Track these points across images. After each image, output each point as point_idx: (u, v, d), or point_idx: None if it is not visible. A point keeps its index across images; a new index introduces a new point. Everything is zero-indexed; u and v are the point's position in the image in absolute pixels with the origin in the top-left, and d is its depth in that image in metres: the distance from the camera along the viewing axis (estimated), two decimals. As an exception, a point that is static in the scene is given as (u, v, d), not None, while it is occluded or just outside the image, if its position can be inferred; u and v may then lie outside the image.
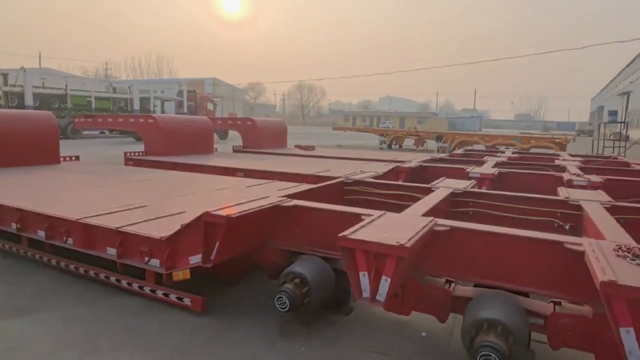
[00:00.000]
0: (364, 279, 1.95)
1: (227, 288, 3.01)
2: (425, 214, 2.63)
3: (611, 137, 16.44)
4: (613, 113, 16.09)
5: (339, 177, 4.15)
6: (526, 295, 2.19)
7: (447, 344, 2.37)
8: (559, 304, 2.07)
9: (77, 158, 7.40)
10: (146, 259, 2.78)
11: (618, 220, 2.92)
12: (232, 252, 2.50)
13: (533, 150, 14.10)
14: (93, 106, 23.04)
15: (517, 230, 2.18)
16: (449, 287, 2.27)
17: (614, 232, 2.29)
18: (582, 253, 1.87)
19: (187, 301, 2.67)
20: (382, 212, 2.46)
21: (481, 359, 1.78)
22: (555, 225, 3.18)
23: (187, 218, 2.61)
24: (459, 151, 9.16)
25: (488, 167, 5.31)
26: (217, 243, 2.33)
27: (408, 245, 1.83)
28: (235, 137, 14.88)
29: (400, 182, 3.97)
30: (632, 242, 2.00)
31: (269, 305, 2.54)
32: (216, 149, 9.48)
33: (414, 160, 6.13)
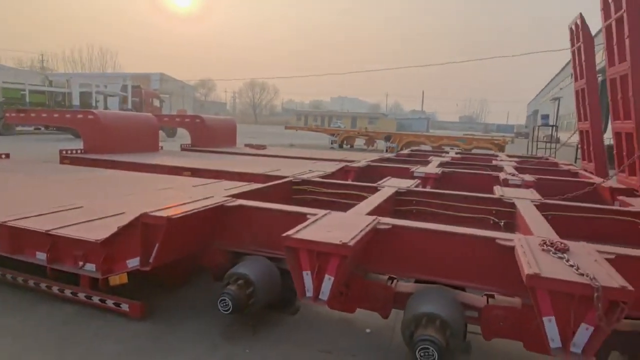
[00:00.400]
0: (308, 278, 1.95)
1: (169, 292, 2.90)
2: (370, 213, 2.68)
3: (544, 139, 17.70)
4: (545, 117, 17.33)
5: (288, 177, 4.14)
6: (463, 289, 2.30)
7: (390, 339, 2.43)
8: (493, 296, 2.19)
9: (7, 156, 6.84)
10: (81, 263, 2.62)
11: (546, 216, 3.15)
12: (173, 255, 2.42)
13: (475, 150, 14.84)
14: (27, 100, 21.39)
15: (454, 228, 2.28)
16: (391, 283, 2.33)
17: (541, 228, 2.46)
18: (512, 248, 1.99)
19: (125, 307, 2.55)
20: (327, 211, 2.48)
21: (420, 352, 1.84)
22: (491, 222, 3.36)
23: (126, 219, 2.48)
24: (406, 151, 9.45)
25: (432, 167, 5.52)
26: (157, 245, 2.24)
27: (351, 244, 1.86)
28: (184, 135, 14.41)
29: (347, 182, 4.03)
30: (555, 237, 2.16)
31: (212, 308, 2.48)
32: (162, 147, 9.13)
33: (362, 160, 6.24)
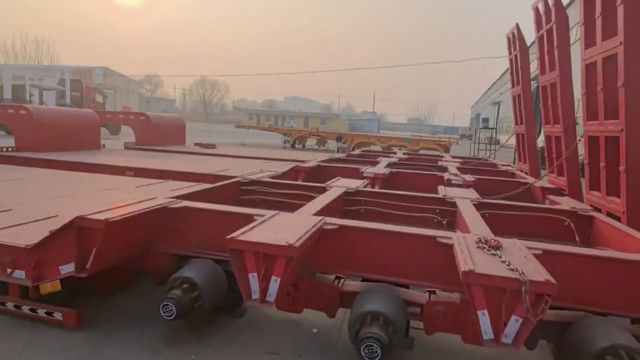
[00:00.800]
0: (254, 280, 1.94)
1: (108, 298, 2.76)
2: (318, 213, 2.70)
3: (485, 141, 18.72)
4: (485, 120, 18.36)
5: (236, 177, 4.08)
6: (407, 286, 2.38)
7: (337, 338, 2.47)
8: (434, 292, 2.28)
9: None
10: (9, 270, 2.42)
11: (483, 214, 3.32)
12: (112, 260, 2.31)
13: (422, 151, 15.39)
14: (-50, 92, 19.49)
15: (398, 227, 2.35)
16: (338, 283, 2.36)
17: (478, 226, 2.59)
18: (452, 246, 2.08)
19: (58, 316, 2.40)
20: (275, 212, 2.47)
21: (365, 350, 1.89)
22: (435, 220, 3.51)
23: (60, 223, 2.33)
24: (357, 152, 9.62)
25: (381, 167, 5.66)
26: (94, 250, 2.13)
27: (297, 245, 1.86)
28: (129, 133, 13.77)
29: (297, 182, 4.04)
30: (490, 235, 2.29)
31: (155, 314, 2.39)
32: (104, 146, 8.67)
33: (314, 160, 6.28)
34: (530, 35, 6.24)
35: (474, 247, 1.99)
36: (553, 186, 4.56)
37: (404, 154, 9.13)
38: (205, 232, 2.53)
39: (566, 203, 3.58)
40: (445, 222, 3.45)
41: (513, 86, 6.73)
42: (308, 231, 2.07)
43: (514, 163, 12.13)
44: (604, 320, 1.97)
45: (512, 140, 7.79)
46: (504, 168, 6.76)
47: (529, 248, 2.05)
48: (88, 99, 25.72)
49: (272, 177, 4.22)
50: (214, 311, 2.53)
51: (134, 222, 2.29)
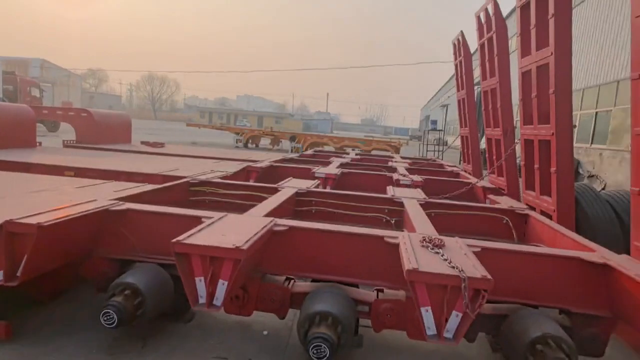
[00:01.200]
0: (200, 284, 1.89)
1: (43, 307, 2.59)
2: (269, 214, 2.69)
3: (434, 142, 19.47)
4: (434, 122, 19.10)
5: (185, 177, 3.96)
6: (356, 286, 2.42)
7: (287, 340, 2.47)
8: (382, 291, 2.34)
9: None
10: None
11: (429, 214, 3.46)
12: (45, 267, 2.16)
13: (374, 152, 15.73)
14: None
15: (346, 227, 2.39)
16: (288, 284, 2.36)
17: (423, 225, 2.69)
18: (397, 245, 2.15)
19: (-15, 328, 2.21)
20: (224, 213, 2.43)
21: (313, 350, 1.90)
22: (384, 220, 3.60)
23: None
24: (309, 152, 9.66)
25: (333, 168, 5.72)
26: (25, 257, 1.99)
27: (245, 247, 1.84)
28: (69, 130, 12.98)
29: (248, 183, 3.99)
30: (434, 233, 2.38)
31: (96, 322, 2.28)
32: (40, 144, 8.10)
33: (266, 160, 6.23)
34: (475, 42, 6.57)
35: (418, 246, 2.06)
36: (493, 186, 4.82)
37: (356, 154, 9.30)
38: (151, 235, 2.44)
39: (505, 202, 3.80)
40: (393, 221, 3.55)
41: (458, 90, 7.05)
42: (257, 233, 2.05)
43: (459, 163, 12.72)
44: (535, 312, 2.11)
45: (458, 142, 8.16)
46: (450, 169, 7.06)
47: (469, 246, 2.16)
48: (23, 93, 23.95)
49: (222, 178, 4.14)
50: (160, 317, 2.45)
51: (71, 226, 2.16)
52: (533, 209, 3.68)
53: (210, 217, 2.33)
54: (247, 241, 1.90)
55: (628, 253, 2.52)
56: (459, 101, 7.04)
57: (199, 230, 2.04)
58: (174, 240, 1.86)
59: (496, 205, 3.65)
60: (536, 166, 3.65)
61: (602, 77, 14.01)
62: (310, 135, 19.24)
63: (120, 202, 2.55)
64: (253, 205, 3.03)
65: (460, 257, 1.93)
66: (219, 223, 2.24)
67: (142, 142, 10.53)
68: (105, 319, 2.06)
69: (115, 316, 2.05)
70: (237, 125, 35.09)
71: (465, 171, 6.84)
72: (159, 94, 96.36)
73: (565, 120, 3.19)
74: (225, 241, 1.89)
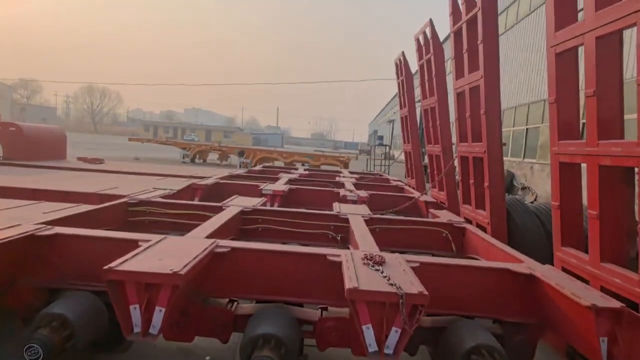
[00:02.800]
0: (135, 312, 1.81)
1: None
2: (212, 235, 2.63)
3: (381, 157, 20.06)
4: (380, 138, 19.72)
5: (124, 197, 3.79)
6: (301, 305, 2.42)
7: (231, 364, 2.40)
8: (326, 309, 2.35)
9: None
10: None
11: (374, 229, 3.54)
12: (-41, 300, 1.97)
13: (323, 167, 15.91)
14: None
15: (289, 247, 2.40)
16: (232, 307, 2.31)
17: (366, 242, 2.76)
18: (340, 263, 2.18)
19: None
20: (163, 236, 2.35)
21: None
22: (330, 236, 3.64)
23: None
24: (258, 168, 9.60)
25: (280, 184, 5.72)
26: None
27: (182, 272, 1.79)
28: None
29: (190, 201, 3.89)
30: (376, 250, 2.44)
31: (20, 358, 2.09)
32: (-40, 161, 7.42)
33: (213, 176, 6.11)
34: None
35: (360, 264, 2.10)
36: (435, 200, 5.04)
37: (305, 169, 9.36)
38: (82, 261, 2.30)
39: (444, 216, 3.98)
40: (339, 237, 3.60)
41: (401, 108, 7.34)
42: (197, 256, 2.00)
43: (405, 178, 13.17)
44: (470, 323, 2.21)
45: (403, 156, 8.47)
46: (395, 183, 7.29)
47: (409, 261, 2.23)
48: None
49: (164, 197, 4.01)
50: (93, 348, 2.30)
51: (-10, 255, 1.99)
52: (470, 222, 3.88)
53: (147, 240, 2.24)
54: (185, 265, 1.85)
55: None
56: (402, 118, 7.33)
57: (134, 255, 1.95)
58: (106, 267, 1.77)
59: (436, 219, 3.82)
60: (471, 181, 3.87)
61: (531, 96, 15.19)
62: (259, 150, 19.12)
63: (49, 227, 2.39)
64: (197, 226, 2.95)
65: (399, 274, 2.00)
66: (157, 246, 2.16)
67: (79, 158, 9.95)
68: (29, 353, 1.90)
69: (40, 350, 1.90)
70: (184, 140, 34.02)
71: (409, 185, 7.09)
72: (99, 106, 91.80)
73: (495, 138, 3.42)
74: (163, 266, 1.82)
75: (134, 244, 2.22)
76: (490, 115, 3.38)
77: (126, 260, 1.88)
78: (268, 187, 5.17)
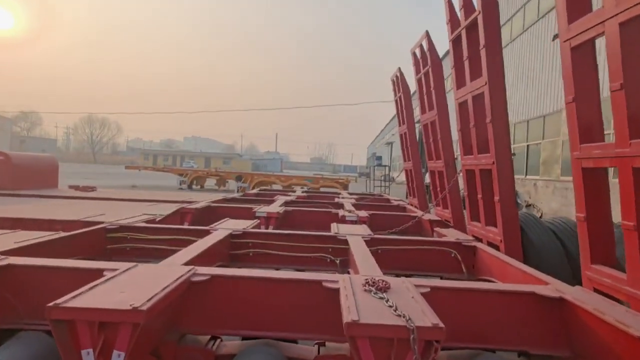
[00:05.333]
0: (89, 358, 1.48)
1: None
2: (192, 261, 2.33)
3: (381, 178, 19.81)
4: (379, 158, 19.52)
5: (103, 223, 3.49)
6: (294, 341, 2.09)
7: (213, 413, 2.05)
8: (324, 344, 2.03)
9: None
10: None
11: (375, 251, 3.23)
12: None
13: (322, 189, 15.63)
14: None
15: (280, 273, 2.09)
16: (213, 345, 1.99)
17: (367, 265, 2.44)
18: (338, 290, 1.87)
19: None
20: (133, 264, 2.04)
21: None
22: (328, 260, 3.32)
23: None
24: (254, 191, 9.31)
25: (276, 206, 5.42)
26: None
27: (145, 307, 1.47)
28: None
29: (175, 226, 3.59)
30: (379, 273, 2.13)
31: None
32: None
33: (204, 200, 5.82)
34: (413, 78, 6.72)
35: (360, 291, 1.79)
36: (439, 219, 4.73)
37: (303, 192, 9.07)
38: (40, 296, 1.98)
39: (451, 235, 3.67)
40: (338, 261, 3.28)
41: (399, 125, 7.12)
42: (167, 287, 1.69)
43: (406, 198, 12.87)
44: (494, 357, 1.89)
45: (403, 177, 8.21)
46: (396, 203, 7.00)
47: (417, 286, 1.92)
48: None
49: (149, 222, 3.70)
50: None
51: None
52: (480, 240, 3.57)
53: (114, 270, 1.93)
54: (150, 299, 1.54)
55: (575, 282, 2.42)
56: (401, 136, 7.10)
57: (91, 288, 1.64)
58: (51, 304, 1.46)
59: (443, 239, 3.50)
60: (479, 196, 3.58)
61: (530, 113, 15.05)
62: (257, 174, 18.87)
63: (2, 257, 2.08)
64: (179, 251, 2.65)
65: (408, 302, 1.68)
66: (123, 277, 1.85)
67: (70, 187, 9.69)
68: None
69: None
70: (183, 167, 33.82)
71: (412, 205, 6.79)
72: (99, 136, 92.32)
73: (504, 147, 3.16)
74: (122, 301, 1.51)
75: (98, 274, 1.91)
76: (497, 123, 3.12)
77: (79, 294, 1.57)
78: (262, 209, 4.88)
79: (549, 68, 13.85)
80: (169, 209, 5.15)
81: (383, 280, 1.88)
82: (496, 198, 3.22)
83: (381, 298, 1.70)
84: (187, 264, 2.24)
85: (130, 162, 61.23)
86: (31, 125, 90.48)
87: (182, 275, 1.88)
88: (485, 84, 3.18)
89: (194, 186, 19.59)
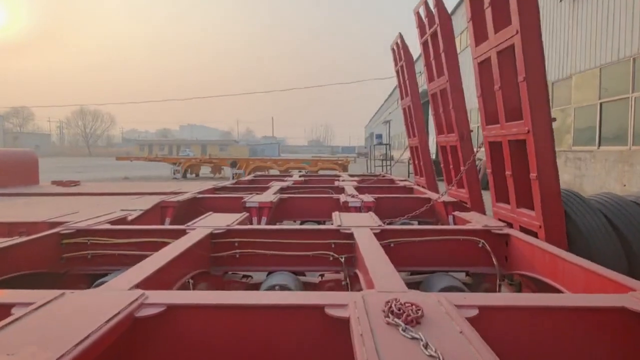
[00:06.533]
0: None
1: None
2: (151, 277, 1.76)
3: (380, 158, 19.18)
4: (379, 136, 18.81)
5: (61, 225, 2.91)
6: None
7: None
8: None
9: None
10: None
11: (387, 245, 2.67)
12: None
13: (321, 172, 15.02)
14: None
15: (267, 295, 1.51)
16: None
17: (379, 264, 1.90)
18: (347, 320, 1.30)
19: None
20: (60, 292, 1.46)
21: None
22: (330, 258, 2.75)
23: None
24: (247, 178, 8.71)
25: (269, 195, 4.84)
26: None
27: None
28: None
29: (144, 227, 2.99)
30: (399, 284, 1.56)
31: None
32: None
33: (189, 192, 5.23)
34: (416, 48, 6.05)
35: (381, 324, 1.21)
36: (454, 199, 4.15)
37: (300, 176, 8.47)
38: None
39: (475, 220, 3.09)
40: (343, 259, 2.70)
41: (402, 98, 6.47)
42: (87, 338, 1.11)
43: (408, 177, 12.28)
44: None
45: (405, 156, 7.61)
46: (402, 183, 6.41)
47: (460, 307, 1.35)
48: None
49: (116, 222, 3.11)
50: None
51: None
52: (510, 225, 3.00)
53: (27, 304, 1.35)
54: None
55: (632, 274, 1.87)
56: (404, 109, 6.46)
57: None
58: None
59: (468, 226, 2.92)
60: (508, 173, 2.99)
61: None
62: (252, 159, 18.20)
63: None
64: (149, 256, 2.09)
65: (456, 342, 1.11)
66: (37, 316, 1.27)
67: (53, 182, 9.09)
68: None
69: None
70: (180, 156, 33.00)
71: (419, 184, 6.21)
72: (92, 129, 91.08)
73: (543, 112, 2.55)
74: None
75: (5, 312, 1.33)
76: (533, 80, 2.51)
77: None
78: (253, 199, 4.29)
79: (558, 30, 13.07)
80: (154, 201, 4.57)
81: (412, 305, 1.30)
82: (533, 175, 2.63)
83: (415, 338, 1.12)
84: (144, 282, 1.67)
85: (126, 153, 60.36)
86: (23, 120, 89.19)
87: (123, 310, 1.30)
88: (517, 32, 2.55)
89: (188, 175, 18.96)
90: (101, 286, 1.58)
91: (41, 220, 4.01)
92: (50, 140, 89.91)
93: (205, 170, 19.93)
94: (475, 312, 1.33)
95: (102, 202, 5.70)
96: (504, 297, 1.51)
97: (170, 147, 74.01)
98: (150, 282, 1.75)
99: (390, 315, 1.24)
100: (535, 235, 2.70)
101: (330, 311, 1.36)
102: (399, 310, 1.25)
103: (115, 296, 1.43)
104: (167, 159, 20.70)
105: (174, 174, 18.41)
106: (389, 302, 1.33)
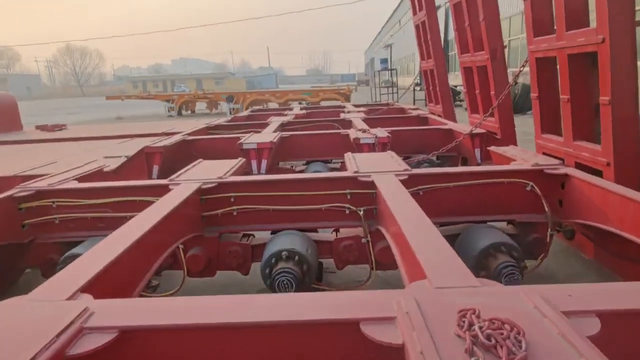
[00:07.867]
0: None
1: None
2: (117, 261, 1.29)
3: (383, 85, 18.14)
4: (384, 61, 17.60)
5: (15, 187, 2.41)
6: None
7: None
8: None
9: None
10: None
11: (416, 193, 2.19)
12: None
13: (323, 103, 14.24)
14: None
15: (267, 301, 1.03)
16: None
17: (413, 221, 1.42)
18: (401, 348, 0.83)
19: None
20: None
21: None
22: (347, 211, 2.27)
23: None
24: (244, 113, 8.06)
25: (268, 133, 4.28)
26: None
27: None
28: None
29: (118, 183, 2.48)
30: (470, 287, 1.07)
31: None
32: None
33: (182, 132, 4.68)
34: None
35: (459, 351, 0.74)
36: (482, 130, 3.58)
37: (302, 109, 7.80)
38: None
39: (519, 156, 2.56)
40: (362, 212, 2.22)
41: (414, 13, 5.62)
42: None
43: (413, 104, 11.53)
44: None
45: (406, 82, 6.89)
46: (414, 113, 5.79)
47: (568, 315, 0.87)
48: None
49: (81, 178, 2.59)
50: None
51: None
52: (561, 161, 2.47)
53: None
54: None
55: None
56: (416, 26, 5.64)
57: None
58: None
59: (513, 166, 2.40)
60: (565, 98, 2.40)
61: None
62: (249, 93, 17.22)
63: None
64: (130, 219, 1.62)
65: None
66: None
67: (37, 127, 8.48)
68: None
69: None
70: (175, 92, 31.63)
71: (434, 113, 5.60)
72: (82, 67, 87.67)
73: (625, 14, 1.91)
74: None
75: None
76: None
77: None
78: (250, 139, 3.74)
79: None
80: (142, 145, 4.04)
81: (506, 326, 0.81)
82: (604, 98, 2.05)
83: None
84: (98, 277, 1.19)
85: (120, 91, 58.34)
86: (9, 61, 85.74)
87: (46, 346, 0.82)
88: None
89: (183, 112, 18.15)
90: (30, 294, 1.09)
91: (12, 175, 3.51)
92: (40, 81, 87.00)
93: (201, 106, 19.07)
94: (596, 329, 0.85)
95: (86, 147, 5.16)
96: (628, 291, 1.02)
97: (165, 83, 71.55)
98: (114, 273, 1.27)
99: (474, 347, 0.76)
100: (599, 174, 2.19)
101: (368, 331, 0.88)
102: (489, 338, 0.77)
103: (64, 307, 0.95)
104: (160, 96, 19.70)
105: (169, 111, 17.60)
106: (464, 316, 0.84)
